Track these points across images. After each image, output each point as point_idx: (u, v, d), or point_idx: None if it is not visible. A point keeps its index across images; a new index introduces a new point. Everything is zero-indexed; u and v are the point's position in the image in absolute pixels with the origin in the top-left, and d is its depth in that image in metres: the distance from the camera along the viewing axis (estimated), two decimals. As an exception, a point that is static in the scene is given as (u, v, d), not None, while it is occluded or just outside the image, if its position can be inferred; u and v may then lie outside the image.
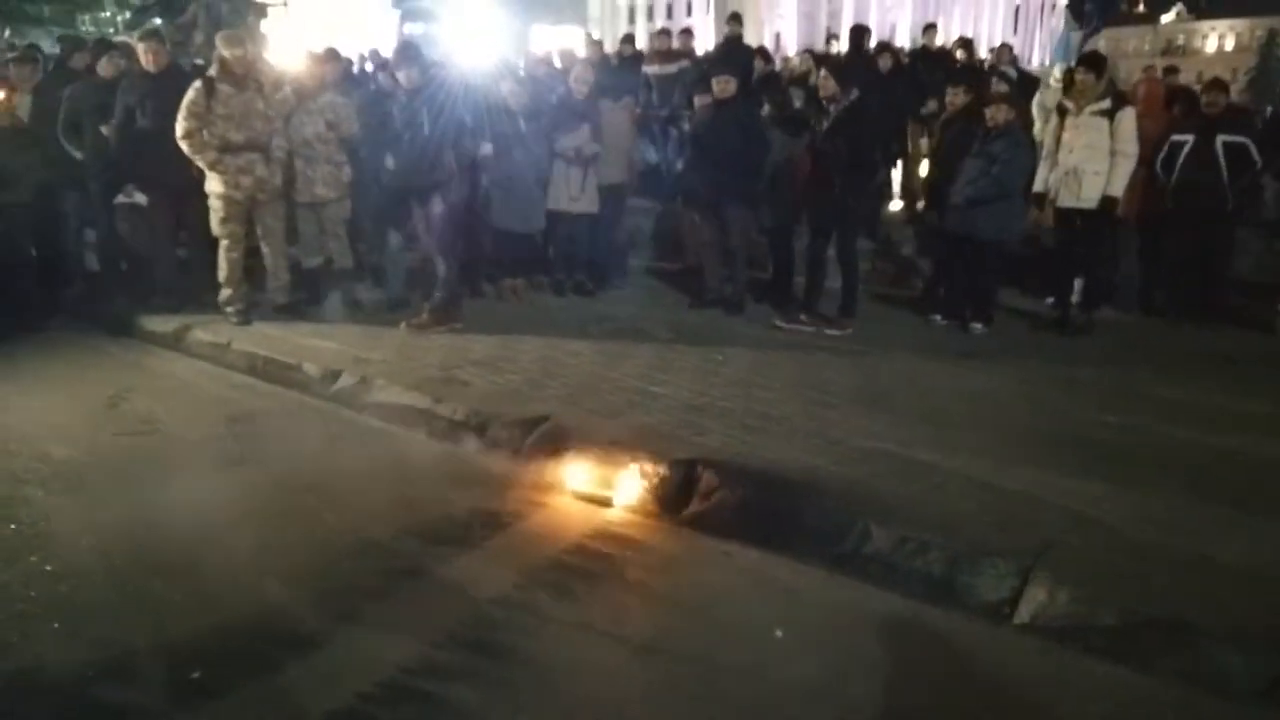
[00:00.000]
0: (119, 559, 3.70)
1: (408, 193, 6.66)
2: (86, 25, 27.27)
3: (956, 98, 7.57)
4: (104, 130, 6.94)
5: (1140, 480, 4.32)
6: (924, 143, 9.33)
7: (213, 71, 6.64)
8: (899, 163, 9.91)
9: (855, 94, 6.77)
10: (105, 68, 7.36)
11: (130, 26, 21.38)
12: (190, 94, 6.44)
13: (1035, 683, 3.08)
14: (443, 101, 6.47)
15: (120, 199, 6.96)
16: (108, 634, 3.19)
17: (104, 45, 8.00)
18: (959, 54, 10.77)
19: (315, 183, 6.94)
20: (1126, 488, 4.23)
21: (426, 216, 6.62)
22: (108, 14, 27.47)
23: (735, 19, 11.45)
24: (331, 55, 7.55)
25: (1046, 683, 3.08)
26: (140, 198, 6.92)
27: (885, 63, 9.63)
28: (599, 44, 12.04)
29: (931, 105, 9.03)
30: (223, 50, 6.73)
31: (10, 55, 8.56)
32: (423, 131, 6.41)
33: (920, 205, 8.91)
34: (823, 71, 7.22)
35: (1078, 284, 7.34)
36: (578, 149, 7.49)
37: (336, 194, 7.02)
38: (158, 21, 18.00)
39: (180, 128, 6.39)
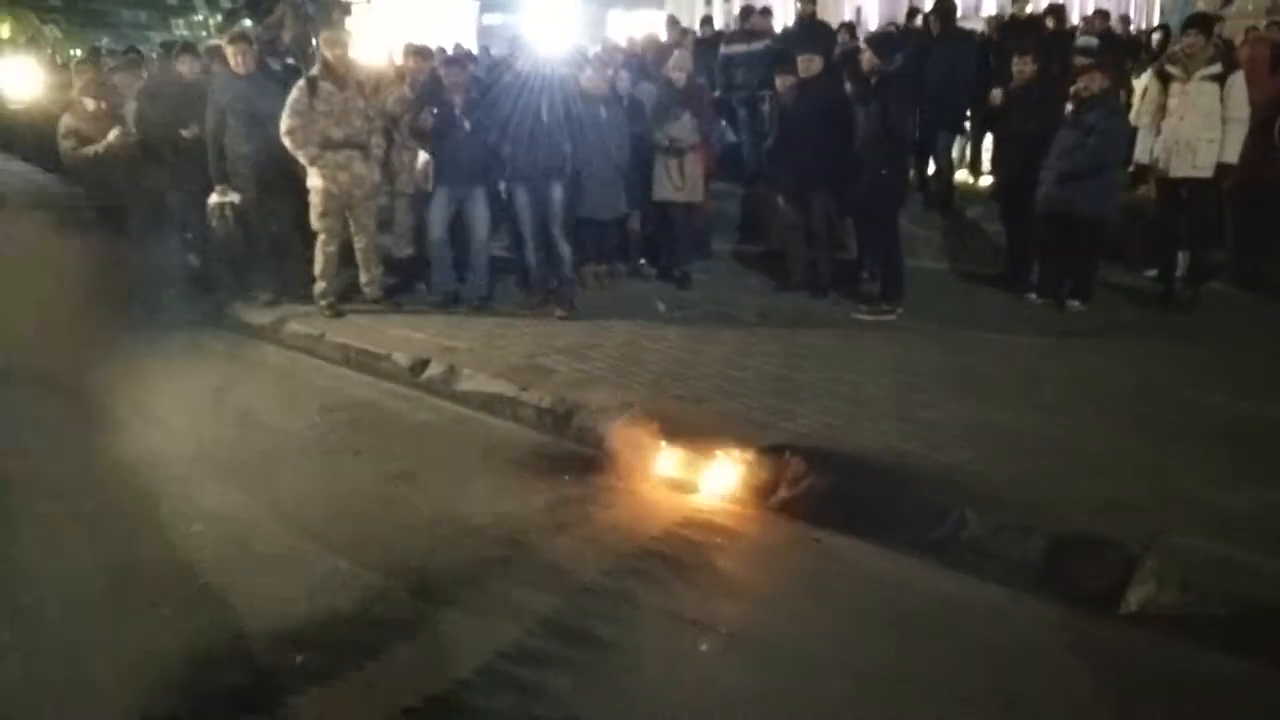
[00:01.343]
0: (225, 548, 3.83)
1: (522, 180, 6.84)
2: (180, 29, 28.28)
3: (1025, 67, 7.27)
4: (184, 133, 7.17)
5: (1253, 464, 4.11)
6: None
7: (315, 70, 6.84)
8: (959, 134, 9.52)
9: (896, 63, 6.63)
10: (186, 69, 7.58)
11: (222, 29, 22.09)
12: (294, 92, 6.66)
13: (1142, 674, 2.96)
14: (554, 90, 6.71)
15: (214, 198, 7.19)
16: (216, 620, 3.30)
17: (184, 47, 8.26)
18: (1049, 22, 10.35)
19: (418, 173, 7.11)
20: (1239, 472, 4.04)
21: (544, 203, 6.83)
22: (200, 17, 28.42)
23: None
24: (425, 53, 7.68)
25: (1153, 674, 2.96)
26: (233, 196, 7.14)
27: (935, 27, 9.26)
28: (683, 29, 11.89)
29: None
30: (325, 50, 7.00)
31: (113, 64, 8.89)
32: (542, 120, 6.61)
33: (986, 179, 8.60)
34: (860, 43, 7.09)
35: (1183, 257, 7.01)
36: (673, 139, 7.38)
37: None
38: (247, 23, 18.55)
39: (284, 124, 6.61)
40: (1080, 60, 7.53)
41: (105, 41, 22.08)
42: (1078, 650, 3.09)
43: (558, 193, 6.83)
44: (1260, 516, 3.64)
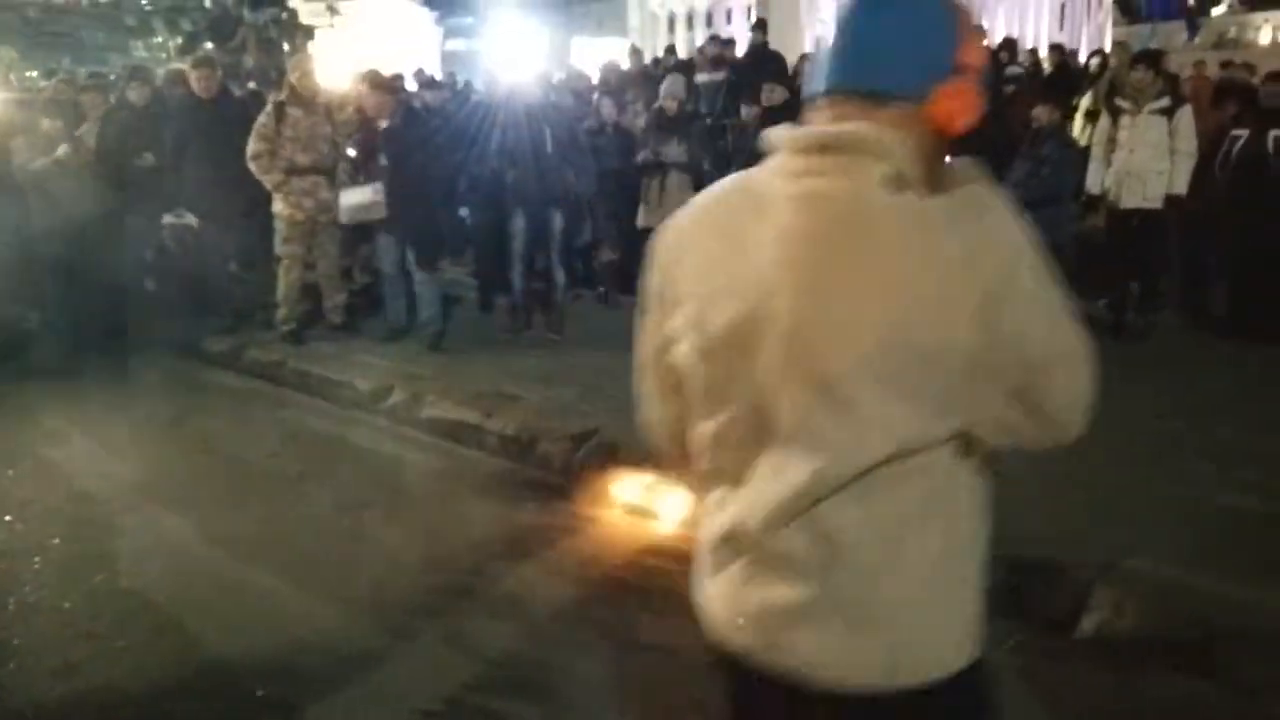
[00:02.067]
0: (184, 578, 3.77)
1: (524, 207, 6.82)
2: (140, 51, 28.03)
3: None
4: (137, 162, 7.12)
5: (1208, 490, 4.21)
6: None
7: (282, 96, 6.82)
8: None
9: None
10: (135, 94, 7.55)
11: (182, 52, 21.96)
12: (261, 117, 6.65)
13: (1099, 697, 3.01)
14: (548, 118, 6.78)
15: (169, 219, 7.13)
16: (174, 652, 3.26)
17: (133, 73, 8.23)
18: (1004, 56, 10.61)
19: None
20: (1194, 498, 4.13)
21: (541, 229, 6.84)
22: (160, 39, 28.21)
23: (760, 26, 11.37)
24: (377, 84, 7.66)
25: (1111, 697, 3.01)
26: (190, 218, 7.08)
27: None
28: (640, 54, 12.06)
29: None
30: (291, 76, 6.97)
31: (81, 84, 8.81)
32: (546, 148, 6.65)
33: None
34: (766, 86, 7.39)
35: (1134, 287, 7.18)
36: (658, 153, 7.36)
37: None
38: (209, 46, 18.45)
39: (251, 149, 6.58)
40: (1008, 88, 7.70)
41: (66, 63, 21.82)
42: (1033, 673, 3.14)
43: (556, 219, 6.83)
44: (1214, 542, 3.73)
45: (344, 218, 6.66)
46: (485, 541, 4.07)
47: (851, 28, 1.29)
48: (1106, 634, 3.29)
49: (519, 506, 4.46)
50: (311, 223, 6.79)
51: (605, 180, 7.50)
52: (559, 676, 3.11)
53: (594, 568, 3.84)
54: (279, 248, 6.84)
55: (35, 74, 20.11)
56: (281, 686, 3.04)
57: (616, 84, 9.38)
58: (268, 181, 6.64)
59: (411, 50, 22.11)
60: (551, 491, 4.60)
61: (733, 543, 1.38)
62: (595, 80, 10.29)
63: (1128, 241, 6.91)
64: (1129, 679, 3.08)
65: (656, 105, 7.82)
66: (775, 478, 1.29)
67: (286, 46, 19.17)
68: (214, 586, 3.70)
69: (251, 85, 12.00)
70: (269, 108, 6.74)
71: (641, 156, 7.46)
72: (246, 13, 20.65)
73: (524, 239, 6.87)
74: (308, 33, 21.19)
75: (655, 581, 3.73)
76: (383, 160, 6.49)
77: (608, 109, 7.90)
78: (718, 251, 1.33)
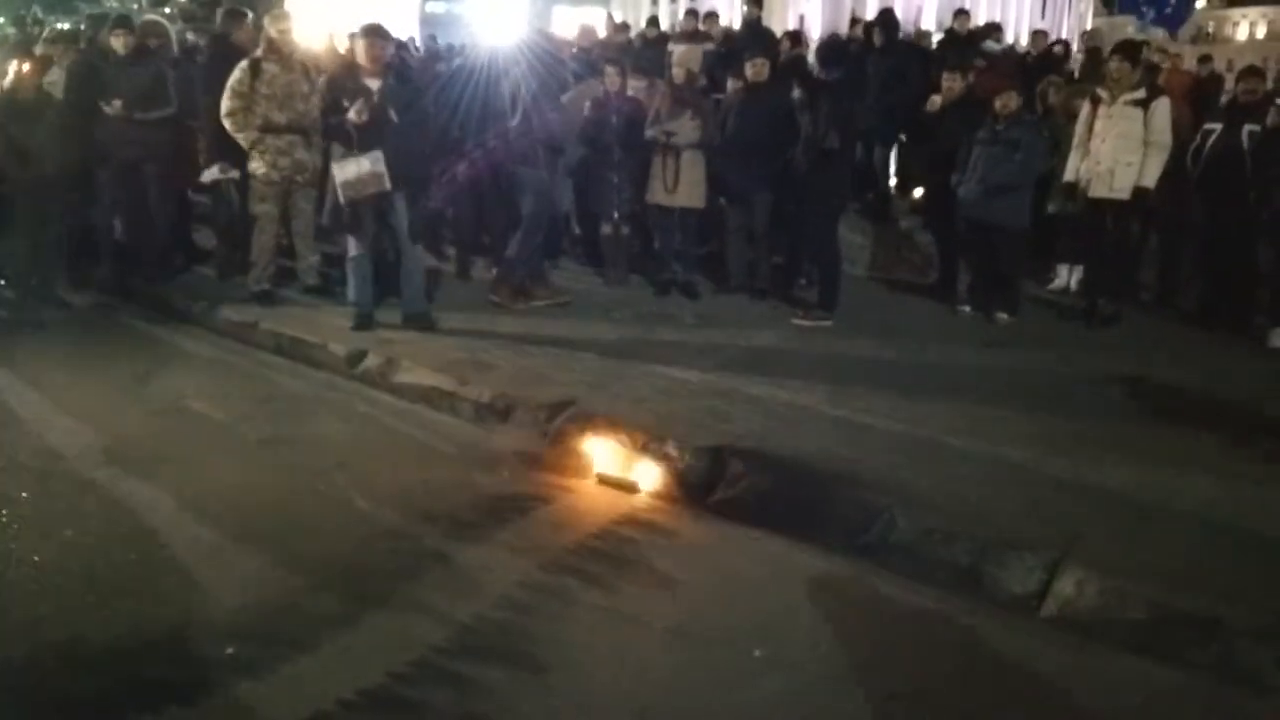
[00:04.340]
0: (152, 536, 3.74)
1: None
2: (111, 1, 27.36)
3: (954, 84, 7.47)
4: (107, 108, 6.95)
5: (1169, 473, 4.30)
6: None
7: (259, 51, 6.65)
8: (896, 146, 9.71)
9: (833, 76, 6.80)
10: (119, 43, 7.33)
11: (155, 3, 21.44)
12: (236, 73, 6.47)
13: (1062, 676, 3.08)
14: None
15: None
16: (143, 610, 3.24)
17: (119, 21, 8.01)
18: (989, 40, 10.67)
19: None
20: (1157, 478, 4.22)
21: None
22: (132, -11, 27.55)
23: (755, 1, 11.34)
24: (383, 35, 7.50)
25: (1074, 676, 3.07)
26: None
27: (878, 39, 9.44)
28: (624, 25, 11.97)
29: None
30: (269, 29, 6.74)
31: (49, 36, 8.59)
32: (520, 113, 6.59)
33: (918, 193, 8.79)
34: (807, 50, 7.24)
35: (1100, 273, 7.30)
36: (669, 134, 7.08)
37: None
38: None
39: (225, 106, 6.44)
40: (979, 62, 7.73)
41: (36, 10, 21.23)
42: (998, 651, 3.20)
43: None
44: (1175, 523, 3.81)
45: (342, 194, 5.92)
46: (457, 508, 4.07)
47: None
48: (1069, 614, 3.36)
49: (492, 474, 4.46)
50: (288, 182, 6.69)
51: (605, 154, 7.33)
52: (528, 643, 3.12)
53: (566, 537, 3.85)
54: (253, 206, 6.75)
55: (3, 20, 19.58)
56: (250, 647, 3.03)
57: (598, 52, 9.29)
58: (242, 139, 6.53)
59: (390, 11, 21.73)
60: (526, 460, 4.60)
61: None
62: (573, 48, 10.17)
63: (1100, 230, 7.00)
64: (1090, 659, 3.15)
65: (667, 76, 7.62)
66: None
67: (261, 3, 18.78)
68: (182, 546, 3.67)
69: (189, 37, 11.69)
70: (244, 63, 6.57)
71: (650, 133, 7.19)
72: (222, -35, 20.19)
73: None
74: (284, -11, 20.75)
75: (628, 550, 3.76)
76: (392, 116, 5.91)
77: (611, 77, 7.45)
78: None
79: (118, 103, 6.90)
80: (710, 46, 10.27)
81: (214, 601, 3.30)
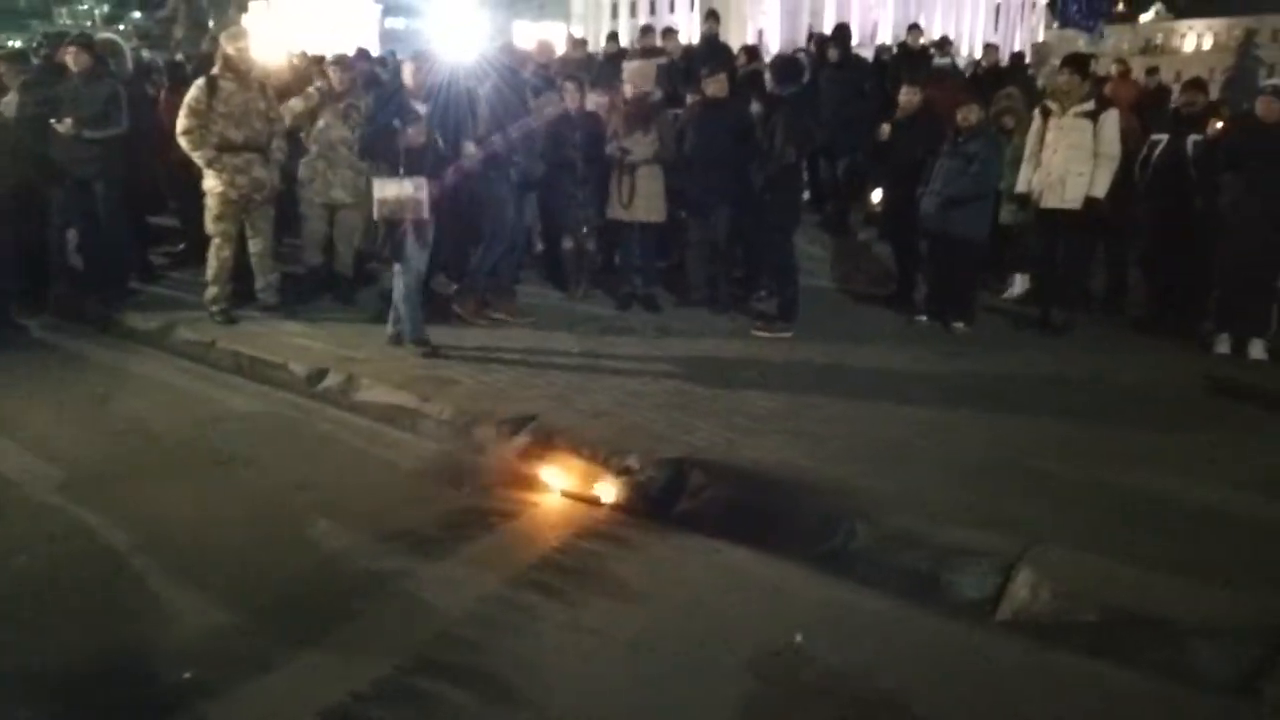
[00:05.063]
0: (108, 561, 3.70)
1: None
2: (64, 19, 27.03)
3: (911, 97, 7.61)
4: (58, 127, 6.87)
5: (1123, 477, 4.39)
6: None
7: (215, 69, 6.61)
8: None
9: (787, 91, 6.92)
10: (72, 59, 7.24)
11: (108, 20, 21.23)
12: (193, 91, 6.44)
13: (1018, 679, 3.14)
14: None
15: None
16: (98, 635, 3.20)
17: (77, 39, 7.91)
18: (935, 53, 10.86)
19: (334, 186, 6.98)
20: (1110, 483, 4.31)
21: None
22: (85, 7, 27.25)
23: (712, 16, 11.45)
24: (360, 56, 7.53)
25: (1029, 678, 3.13)
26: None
27: (834, 54, 9.60)
28: (583, 41, 12.03)
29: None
30: (226, 46, 6.69)
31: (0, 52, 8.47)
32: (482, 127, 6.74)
33: (876, 202, 8.89)
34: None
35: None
36: (624, 150, 7.15)
37: (353, 200, 6.95)
38: (137, 15, 17.88)
39: (181, 124, 6.39)
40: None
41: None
42: (956, 656, 3.26)
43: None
44: (1129, 528, 3.89)
45: (377, 212, 5.92)
46: (420, 525, 4.06)
47: None
48: (1024, 618, 3.42)
49: (455, 490, 4.46)
50: (245, 201, 6.65)
51: (568, 170, 7.30)
52: (492, 659, 3.13)
53: (529, 551, 3.86)
54: (209, 226, 6.69)
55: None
56: (210, 669, 3.01)
57: (558, 68, 9.33)
58: (198, 158, 6.48)
59: (348, 26, 21.70)
60: (488, 476, 4.60)
61: None
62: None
63: (1053, 240, 7.14)
64: (1046, 662, 3.21)
65: (620, 93, 7.65)
66: None
67: (212, 23, 18.68)
68: (141, 569, 3.63)
69: (179, 57, 11.67)
70: (200, 81, 6.54)
71: (610, 148, 7.26)
72: (177, -18, 20.06)
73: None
74: (241, 4, 20.66)
75: (590, 564, 3.77)
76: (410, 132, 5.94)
77: (571, 93, 7.47)
78: None
79: (69, 121, 6.85)
80: (664, 61, 10.37)
81: (173, 624, 3.27)
